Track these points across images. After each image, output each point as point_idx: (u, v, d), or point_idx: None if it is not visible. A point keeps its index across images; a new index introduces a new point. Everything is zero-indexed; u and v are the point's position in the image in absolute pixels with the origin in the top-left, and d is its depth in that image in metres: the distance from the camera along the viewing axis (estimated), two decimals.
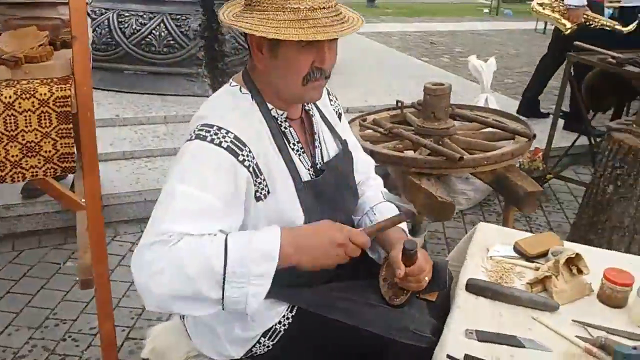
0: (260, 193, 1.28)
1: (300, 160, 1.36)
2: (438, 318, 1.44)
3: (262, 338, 1.37)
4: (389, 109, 3.16)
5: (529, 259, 1.66)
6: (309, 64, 1.25)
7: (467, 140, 2.61)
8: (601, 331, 1.37)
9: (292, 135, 1.37)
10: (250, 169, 1.25)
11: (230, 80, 1.39)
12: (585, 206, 2.80)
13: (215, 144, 1.21)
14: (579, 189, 3.61)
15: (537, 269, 1.60)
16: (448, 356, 1.25)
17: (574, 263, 1.51)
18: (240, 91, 1.34)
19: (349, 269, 1.36)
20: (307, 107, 1.44)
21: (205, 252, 1.10)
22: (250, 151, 1.24)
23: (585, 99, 3.54)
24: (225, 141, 1.22)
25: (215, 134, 1.23)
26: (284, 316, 1.37)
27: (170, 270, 1.09)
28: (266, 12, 1.21)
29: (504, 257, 1.65)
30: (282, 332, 1.36)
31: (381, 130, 2.76)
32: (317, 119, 1.46)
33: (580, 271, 1.51)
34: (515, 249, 1.68)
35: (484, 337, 1.33)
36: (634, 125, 2.68)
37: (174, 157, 1.29)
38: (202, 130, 1.24)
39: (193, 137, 1.24)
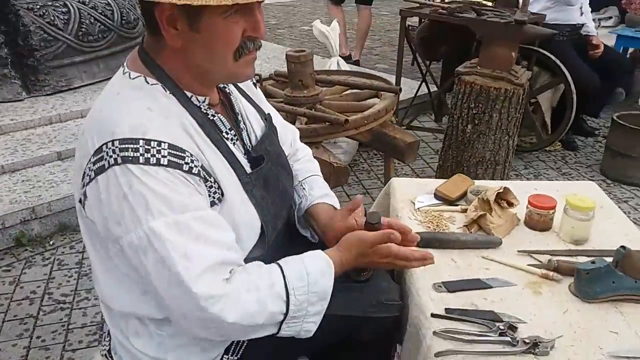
0: (213, 197, 1.07)
1: (237, 150, 1.17)
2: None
3: (224, 356, 1.18)
4: None
5: (452, 203, 1.68)
6: (240, 35, 1.04)
7: (339, 104, 2.57)
8: (544, 255, 1.43)
9: (222, 123, 1.15)
10: (201, 174, 1.04)
11: (125, 70, 1.10)
12: (447, 148, 2.96)
13: (153, 164, 0.97)
14: (428, 136, 3.84)
15: (464, 210, 1.62)
16: (432, 315, 1.20)
17: (502, 197, 1.56)
18: (147, 82, 1.07)
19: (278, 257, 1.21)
20: (221, 85, 1.23)
21: (267, 304, 1.05)
22: (191, 154, 1.02)
23: (419, 50, 3.75)
24: (163, 156, 0.98)
25: (147, 150, 0.97)
26: None
27: (237, 314, 1.03)
28: None
29: (430, 206, 1.65)
30: (246, 343, 1.18)
31: None
32: (235, 95, 1.27)
33: (510, 204, 1.56)
34: (437, 196, 1.69)
35: (452, 287, 1.30)
36: (478, 67, 2.89)
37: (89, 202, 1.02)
38: (124, 148, 0.97)
39: (117, 162, 0.97)
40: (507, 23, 2.82)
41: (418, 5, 3.42)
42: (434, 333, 1.14)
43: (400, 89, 2.61)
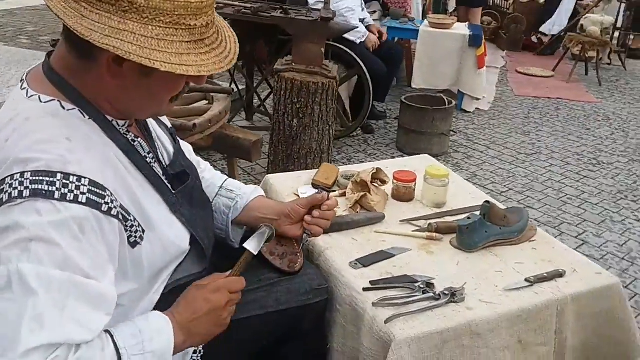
0: (135, 237, 0.98)
1: (158, 171, 1.09)
2: None
3: None
4: None
5: (330, 189, 1.80)
6: (184, 83, 1.00)
7: (172, 110, 2.50)
8: (420, 220, 1.64)
9: (142, 147, 1.06)
10: (120, 216, 0.94)
11: (30, 92, 0.95)
12: (277, 143, 3.09)
13: (70, 201, 0.86)
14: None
15: (342, 194, 1.76)
16: (364, 289, 1.30)
17: (375, 177, 1.73)
18: (63, 107, 0.95)
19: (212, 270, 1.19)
20: None
21: None
22: (111, 193, 0.92)
23: None
24: (82, 192, 0.88)
25: (65, 185, 0.86)
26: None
27: None
28: (149, 26, 0.87)
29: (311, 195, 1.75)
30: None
31: None
32: None
33: (383, 182, 1.74)
34: (315, 186, 1.79)
35: (365, 262, 1.43)
36: (294, 64, 3.07)
37: None
38: (38, 180, 0.85)
39: (22, 195, 0.84)
40: (314, 21, 3.04)
41: (220, 4, 3.46)
42: (373, 304, 1.25)
43: (233, 90, 2.64)
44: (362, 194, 1.67)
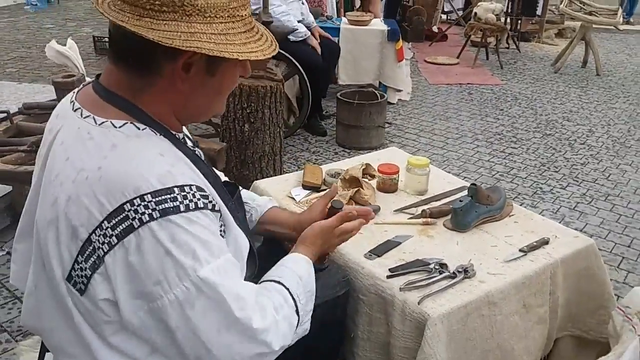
0: (222, 230, 1.04)
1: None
2: None
3: None
4: None
5: (319, 188, 1.88)
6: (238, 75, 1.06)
7: None
8: (411, 208, 1.77)
9: (200, 155, 1.11)
10: (219, 210, 1.01)
11: (98, 119, 0.96)
12: (229, 149, 3.10)
13: (193, 209, 0.93)
14: None
15: None
16: (388, 276, 1.41)
17: (364, 172, 1.83)
18: (137, 127, 0.97)
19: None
20: None
21: (291, 320, 1.09)
22: (208, 192, 0.99)
23: None
24: (197, 199, 0.94)
25: (184, 197, 0.92)
26: None
27: (279, 340, 1.05)
28: (213, 24, 0.93)
29: (307, 197, 1.82)
30: None
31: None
32: None
33: (372, 176, 1.85)
34: (306, 187, 1.87)
35: (378, 251, 1.53)
36: None
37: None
38: (162, 200, 0.90)
39: (152, 217, 0.89)
40: None
41: None
42: (401, 289, 1.36)
43: None
44: (356, 189, 1.77)
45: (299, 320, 1.11)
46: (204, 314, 0.93)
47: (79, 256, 0.92)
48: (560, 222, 3.02)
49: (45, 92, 4.16)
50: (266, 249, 1.44)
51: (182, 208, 0.91)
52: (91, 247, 0.91)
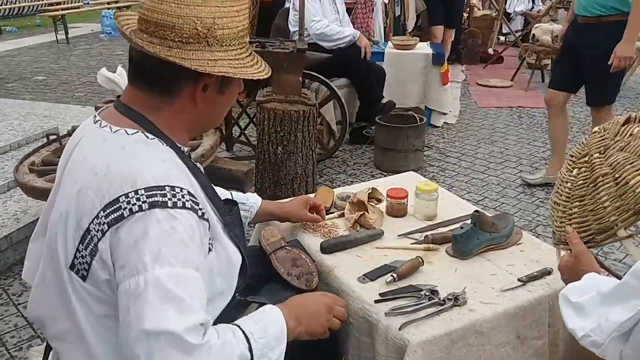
0: (210, 243, 1.12)
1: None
2: None
3: None
4: (42, 147, 2.78)
5: (328, 211, 1.92)
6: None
7: None
8: (416, 233, 1.78)
9: (201, 169, 1.21)
10: (209, 220, 1.09)
11: (114, 127, 1.10)
12: (263, 171, 3.21)
13: (180, 207, 1.01)
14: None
15: (341, 215, 1.88)
16: (376, 301, 1.42)
17: (371, 196, 1.86)
18: (147, 137, 1.10)
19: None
20: None
21: (234, 351, 1.04)
22: (200, 202, 1.08)
23: None
24: (186, 200, 1.03)
25: (173, 195, 1.01)
26: None
27: None
28: (229, 51, 1.10)
29: None
30: None
31: None
32: None
33: (378, 200, 1.87)
34: None
35: (371, 276, 1.55)
36: (274, 95, 3.20)
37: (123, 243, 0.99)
38: (152, 194, 1.00)
39: (141, 208, 0.98)
40: (290, 52, 3.19)
41: None
42: (386, 314, 1.37)
43: (220, 125, 2.75)
44: (361, 213, 1.80)
45: (252, 357, 1.07)
46: (141, 312, 0.94)
47: (80, 244, 1.02)
48: (598, 252, 2.93)
49: None
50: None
51: (169, 204, 1.00)
52: (89, 236, 1.01)
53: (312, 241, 1.71)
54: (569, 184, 1.41)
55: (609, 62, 3.11)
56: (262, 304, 1.32)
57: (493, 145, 4.65)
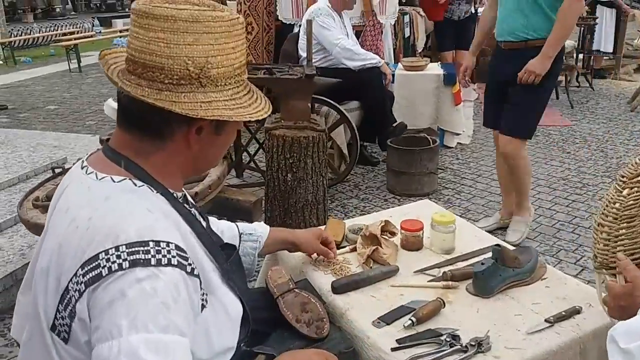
0: (203, 300, 1.02)
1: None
2: None
3: None
4: (47, 180, 2.72)
5: (339, 246, 1.82)
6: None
7: None
8: (433, 269, 1.68)
9: (197, 216, 1.13)
10: (199, 276, 1.00)
11: (100, 174, 1.02)
12: (272, 198, 3.12)
13: (164, 265, 0.91)
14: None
15: (352, 250, 1.79)
16: (393, 349, 1.32)
17: (384, 230, 1.77)
18: (134, 184, 1.01)
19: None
20: None
21: None
22: (190, 256, 0.98)
23: None
24: (173, 256, 0.93)
25: (158, 251, 0.92)
26: None
27: None
28: (224, 91, 1.02)
29: None
30: None
31: None
32: None
33: (392, 233, 1.78)
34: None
35: (387, 319, 1.45)
36: (282, 121, 3.13)
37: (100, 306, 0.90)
38: (134, 251, 0.90)
39: (121, 267, 0.89)
40: (299, 79, 3.13)
41: None
42: None
43: (228, 153, 2.68)
44: (374, 247, 1.71)
45: None
46: None
47: (60, 305, 0.94)
48: None
49: None
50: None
51: (152, 261, 0.90)
52: (68, 296, 0.92)
53: (323, 280, 1.61)
54: (617, 205, 1.31)
55: (520, 76, 2.83)
56: (269, 355, 1.23)
57: None
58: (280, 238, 1.60)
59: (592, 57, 7.44)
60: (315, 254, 1.70)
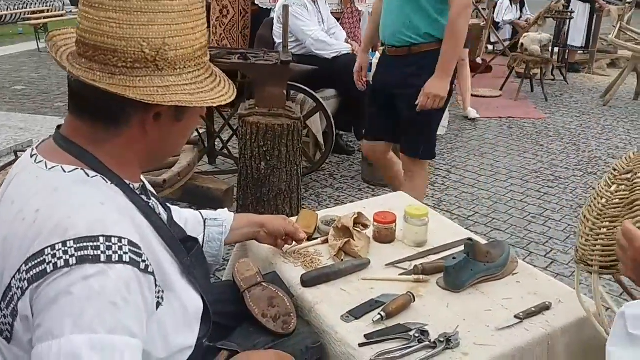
0: (159, 297, 0.97)
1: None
2: None
3: None
4: (9, 164, 2.62)
5: (310, 237, 1.79)
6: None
7: None
8: (405, 262, 1.66)
9: (157, 208, 1.07)
10: (154, 273, 0.94)
11: (49, 164, 0.95)
12: (245, 187, 3.07)
13: (115, 262, 0.86)
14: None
15: (324, 242, 1.75)
16: (360, 344, 1.30)
17: (356, 222, 1.74)
18: (87, 174, 0.95)
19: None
20: None
21: None
22: (144, 252, 0.93)
23: None
24: (125, 252, 0.87)
25: (109, 247, 0.86)
26: None
27: None
28: (183, 75, 0.96)
29: (296, 245, 1.73)
30: None
31: None
32: None
33: (365, 226, 1.75)
34: None
35: (356, 313, 1.42)
36: (257, 108, 3.07)
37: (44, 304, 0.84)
38: (83, 247, 0.84)
39: (68, 263, 0.83)
40: (274, 65, 3.07)
41: None
42: None
43: (198, 140, 2.61)
44: (346, 240, 1.68)
45: None
46: None
47: (2, 303, 0.88)
48: None
49: None
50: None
51: (102, 258, 0.85)
52: (11, 294, 0.87)
53: (293, 273, 1.57)
54: (603, 200, 1.27)
55: (416, 102, 2.53)
56: (232, 352, 1.19)
57: (483, 158, 4.55)
58: (246, 220, 1.57)
59: (567, 51, 7.52)
60: (286, 246, 1.67)
